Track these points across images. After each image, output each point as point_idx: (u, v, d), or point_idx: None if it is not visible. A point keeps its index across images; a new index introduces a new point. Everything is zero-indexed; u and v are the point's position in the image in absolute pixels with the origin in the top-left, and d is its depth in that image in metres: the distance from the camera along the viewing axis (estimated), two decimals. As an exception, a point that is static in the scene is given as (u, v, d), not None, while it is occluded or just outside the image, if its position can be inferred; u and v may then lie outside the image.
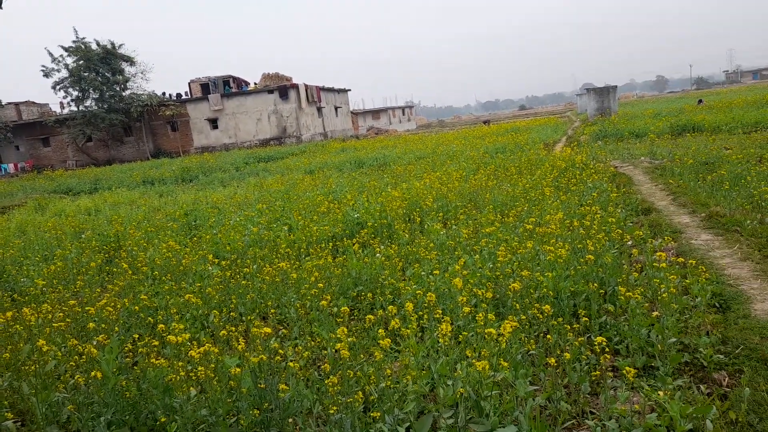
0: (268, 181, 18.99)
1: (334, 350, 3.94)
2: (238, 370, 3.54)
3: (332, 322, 4.97)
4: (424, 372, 3.56)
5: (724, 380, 3.72)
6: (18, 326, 4.63)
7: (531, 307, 4.45)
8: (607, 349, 3.57)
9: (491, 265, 5.73)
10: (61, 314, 5.27)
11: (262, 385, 3.48)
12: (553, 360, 3.47)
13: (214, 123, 49.77)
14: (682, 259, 5.36)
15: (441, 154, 20.88)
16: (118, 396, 3.68)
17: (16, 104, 52.74)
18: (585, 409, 3.60)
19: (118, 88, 47.85)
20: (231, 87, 50.68)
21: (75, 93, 47.14)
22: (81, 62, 46.14)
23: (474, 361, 3.19)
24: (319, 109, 52.91)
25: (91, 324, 4.66)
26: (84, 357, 3.83)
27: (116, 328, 5.01)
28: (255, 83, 51.66)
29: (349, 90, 62.24)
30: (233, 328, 4.65)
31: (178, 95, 51.17)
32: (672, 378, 3.71)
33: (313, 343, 4.71)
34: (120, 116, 47.07)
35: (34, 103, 54.87)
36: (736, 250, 6.12)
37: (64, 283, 7.30)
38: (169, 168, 29.05)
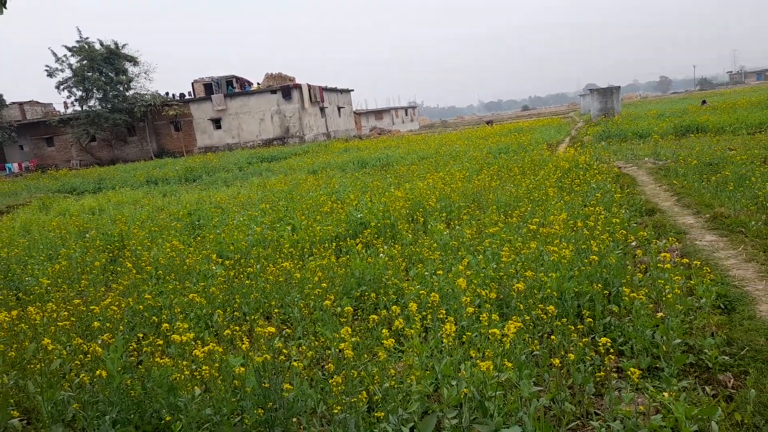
0: (272, 181, 19.01)
1: (337, 350, 3.94)
2: (242, 369, 3.54)
3: (336, 322, 4.97)
4: (427, 372, 3.55)
5: (730, 382, 3.71)
6: (23, 325, 4.64)
7: (535, 308, 4.44)
8: (611, 350, 3.57)
9: (495, 266, 5.72)
10: (65, 313, 5.28)
11: (266, 385, 3.48)
12: (557, 361, 3.47)
13: (217, 123, 49.86)
14: (687, 260, 5.34)
15: (444, 154, 20.87)
16: (122, 395, 3.69)
17: (20, 104, 52.93)
18: (589, 410, 3.59)
19: (121, 88, 47.99)
20: (234, 87, 50.77)
21: (79, 93, 47.30)
22: (85, 62, 46.29)
23: (478, 361, 3.18)
24: (322, 110, 52.95)
25: (95, 323, 4.67)
26: (89, 356, 3.84)
27: (121, 327, 5.02)
28: (258, 83, 51.73)
29: (352, 90, 62.29)
30: (237, 328, 4.65)
31: (182, 95, 51.29)
32: (677, 379, 3.70)
33: (316, 342, 4.72)
34: (123, 116, 47.20)
35: (38, 102, 55.07)
36: (741, 251, 6.11)
37: (68, 282, 7.31)
38: (172, 168, 29.10)
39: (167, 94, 50.91)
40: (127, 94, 48.26)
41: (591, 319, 4.46)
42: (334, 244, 8.08)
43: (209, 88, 50.45)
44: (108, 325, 4.95)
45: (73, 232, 11.18)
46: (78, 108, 47.83)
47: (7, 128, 49.72)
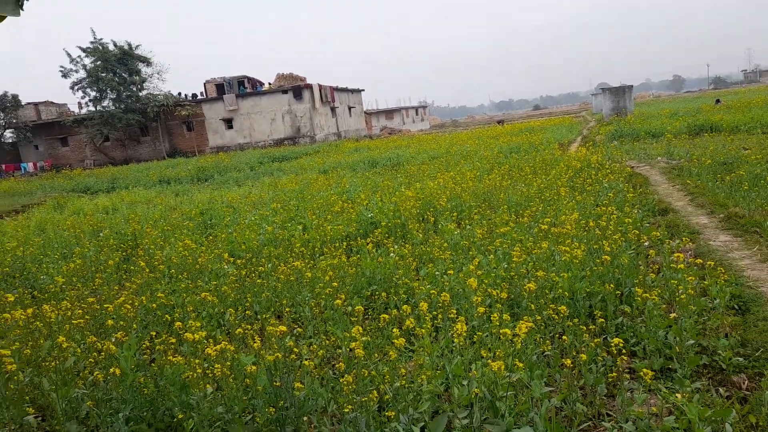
0: (283, 180, 19.08)
1: (348, 349, 3.95)
2: (253, 368, 3.57)
3: (346, 321, 4.99)
4: (438, 372, 3.55)
5: (744, 383, 3.67)
6: (38, 323, 4.70)
7: (546, 308, 4.42)
8: (623, 351, 3.54)
9: (506, 266, 5.70)
10: (80, 311, 5.34)
11: (277, 383, 3.50)
12: (568, 361, 3.45)
13: (229, 123, 50.15)
14: (700, 261, 5.30)
15: (455, 153, 20.82)
16: (136, 392, 3.73)
17: (36, 104, 53.61)
18: (601, 411, 3.57)
19: (134, 89, 48.46)
20: (246, 87, 51.04)
21: (93, 93, 47.88)
22: (99, 63, 46.80)
23: (489, 361, 3.18)
24: (333, 109, 53.06)
25: (109, 321, 4.73)
26: (103, 354, 3.88)
27: (134, 326, 5.07)
28: (269, 83, 51.96)
29: (363, 90, 62.36)
30: (249, 326, 4.68)
31: (194, 95, 51.65)
32: (690, 380, 3.66)
33: (327, 341, 4.73)
34: (137, 116, 47.65)
35: (52, 103, 55.74)
36: (755, 251, 6.03)
37: (82, 280, 7.40)
38: (184, 167, 29.32)
39: (180, 94, 51.32)
40: (141, 94, 48.73)
41: (603, 320, 4.44)
42: (344, 243, 8.10)
43: (221, 88, 50.76)
44: (121, 323, 5.00)
45: (87, 231, 11.30)
46: (92, 108, 48.39)
47: (22, 128, 50.40)
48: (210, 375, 3.53)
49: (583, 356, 3.56)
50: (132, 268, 7.66)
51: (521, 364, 3.16)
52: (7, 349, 3.55)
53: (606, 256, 5.09)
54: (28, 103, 52.79)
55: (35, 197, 22.91)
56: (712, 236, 6.85)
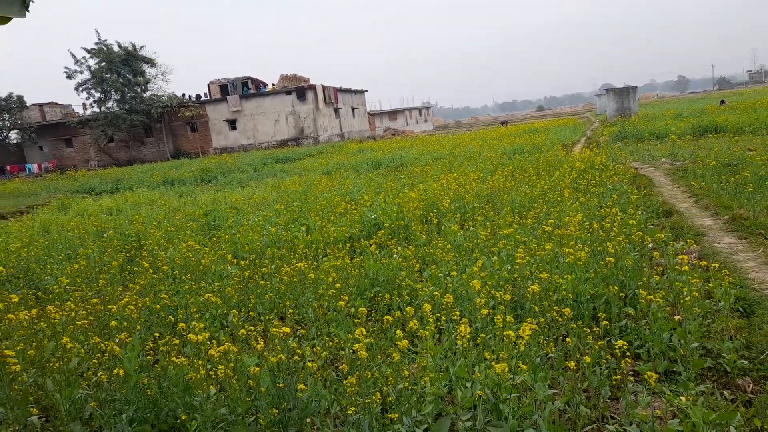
0: (286, 181, 19.11)
1: (351, 351, 3.95)
2: (257, 369, 3.57)
3: (350, 323, 4.98)
4: (442, 374, 3.55)
5: (749, 386, 3.65)
6: (42, 324, 4.72)
7: (550, 310, 4.41)
8: (627, 353, 3.53)
9: (509, 267, 5.69)
10: (84, 312, 5.36)
11: (280, 385, 3.50)
12: (572, 363, 3.44)
13: (232, 124, 50.24)
14: (705, 263, 5.27)
15: (458, 155, 20.81)
16: (139, 393, 3.74)
17: (40, 105, 53.82)
18: (605, 414, 3.56)
19: (139, 90, 48.59)
20: (249, 88, 51.12)
21: (97, 94, 48.00)
22: (103, 64, 46.94)
23: (492, 363, 3.17)
24: (336, 110, 53.10)
25: (113, 322, 4.74)
26: (106, 355, 3.89)
27: (138, 327, 5.09)
28: (273, 84, 52.03)
29: (366, 91, 62.37)
30: (252, 328, 4.69)
31: (198, 96, 51.75)
32: (694, 383, 3.65)
33: (330, 343, 4.73)
34: (141, 117, 47.79)
35: (57, 104, 55.94)
36: (760, 253, 6.01)
37: (86, 281, 7.42)
38: (188, 168, 29.38)
39: (183, 95, 51.43)
40: (145, 95, 48.86)
41: (607, 322, 4.42)
42: (348, 244, 8.10)
43: (225, 89, 50.85)
44: (125, 324, 5.02)
45: (91, 232, 11.33)
46: (96, 109, 48.53)
47: (27, 129, 50.59)
48: (213, 376, 3.54)
49: (587, 359, 3.55)
50: (136, 269, 7.68)
51: (525, 367, 3.16)
52: (11, 350, 3.57)
53: (610, 258, 5.08)
54: (33, 104, 52.99)
55: (40, 198, 23.00)
56: (717, 238, 6.82)
